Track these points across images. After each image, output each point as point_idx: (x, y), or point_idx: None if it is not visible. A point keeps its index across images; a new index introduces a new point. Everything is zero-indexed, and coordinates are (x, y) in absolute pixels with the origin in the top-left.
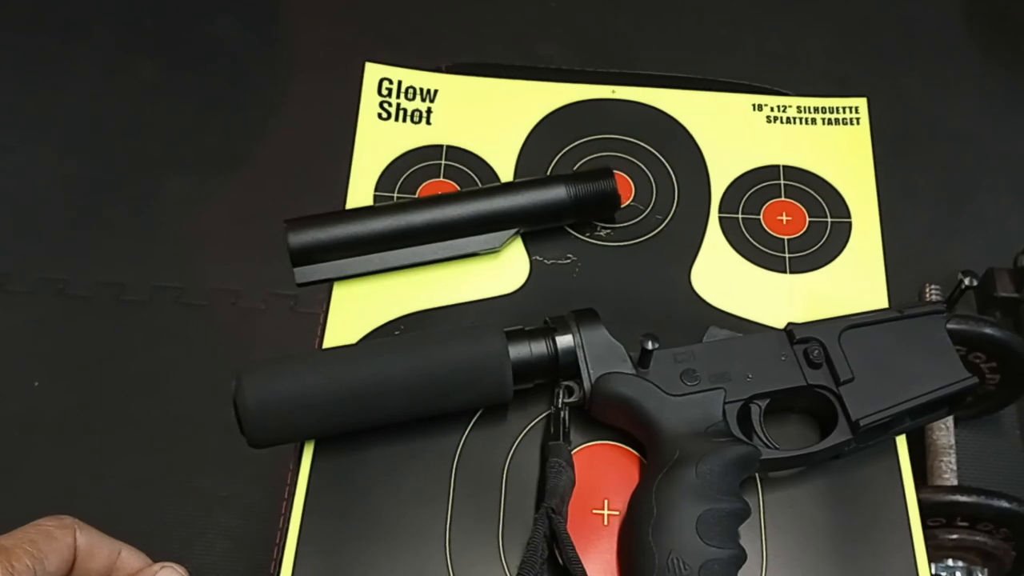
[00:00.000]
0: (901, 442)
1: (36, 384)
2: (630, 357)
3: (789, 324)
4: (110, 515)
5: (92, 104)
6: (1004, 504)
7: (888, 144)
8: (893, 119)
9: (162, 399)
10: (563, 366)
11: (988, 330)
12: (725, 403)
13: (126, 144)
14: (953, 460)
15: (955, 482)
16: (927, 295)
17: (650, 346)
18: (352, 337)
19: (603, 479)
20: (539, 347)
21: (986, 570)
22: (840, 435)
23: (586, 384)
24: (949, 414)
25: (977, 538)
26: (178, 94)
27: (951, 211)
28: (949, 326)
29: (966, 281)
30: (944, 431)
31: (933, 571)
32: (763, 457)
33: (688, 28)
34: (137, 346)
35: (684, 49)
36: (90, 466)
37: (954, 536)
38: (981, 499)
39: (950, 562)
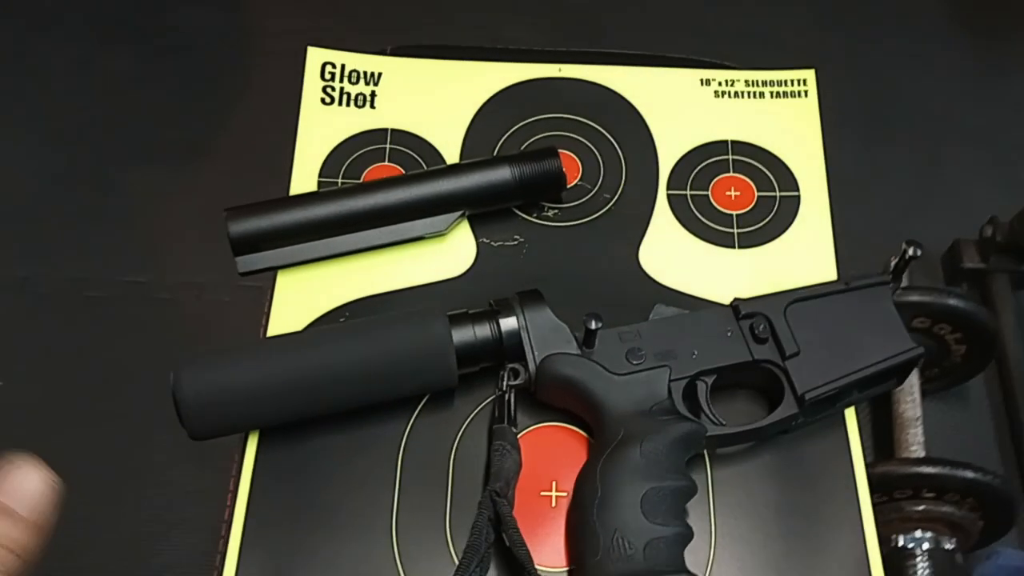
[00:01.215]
0: (850, 415)
1: (0, 384)
2: (575, 337)
3: (735, 299)
4: (80, 513)
5: (54, 98)
6: (969, 474)
7: (856, 118)
8: (861, 93)
9: (129, 394)
10: (508, 348)
11: (952, 301)
12: (670, 381)
13: (89, 138)
14: (920, 432)
15: (922, 454)
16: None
17: (593, 325)
18: (297, 325)
19: (551, 461)
20: (483, 330)
21: (954, 540)
22: (787, 409)
23: (531, 366)
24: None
25: (944, 509)
26: (142, 86)
27: (920, 184)
28: (912, 298)
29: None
30: (911, 403)
31: (901, 543)
32: (709, 434)
33: (658, 7)
34: (103, 341)
35: (654, 29)
36: (58, 464)
37: (921, 507)
38: (946, 470)
39: (918, 533)
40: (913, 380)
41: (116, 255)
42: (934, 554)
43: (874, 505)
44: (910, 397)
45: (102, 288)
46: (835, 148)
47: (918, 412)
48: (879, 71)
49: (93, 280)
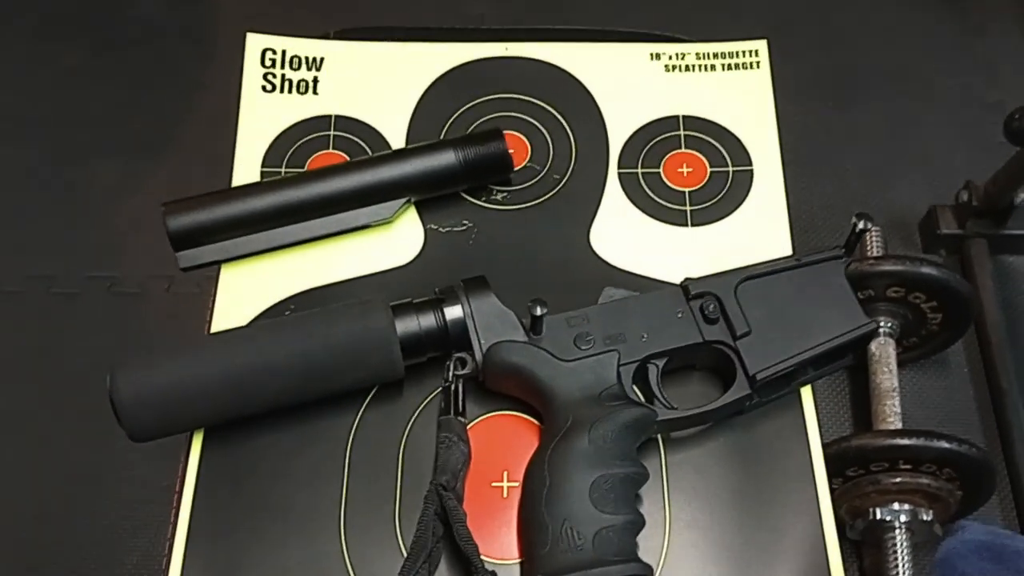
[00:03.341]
0: (806, 393)
1: None
2: (522, 324)
3: (685, 279)
4: (51, 512)
5: (14, 94)
6: (944, 444)
7: (826, 86)
8: (831, 60)
9: (98, 391)
10: (454, 337)
11: (924, 269)
12: (620, 365)
13: (51, 133)
14: (897, 403)
15: (899, 425)
16: (867, 238)
17: (538, 312)
18: (242, 321)
19: (503, 451)
20: (427, 320)
21: (931, 512)
22: (738, 391)
23: (478, 355)
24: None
25: (921, 480)
26: (102, 79)
27: (894, 150)
28: (885, 267)
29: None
30: (887, 374)
31: (879, 516)
32: (660, 418)
33: None
34: (70, 338)
35: (619, 3)
36: (27, 463)
37: (897, 479)
38: (920, 441)
39: (895, 506)
40: (889, 351)
41: (82, 251)
42: (912, 526)
43: (850, 478)
44: (886, 368)
45: (69, 284)
46: (802, 117)
47: (894, 383)
48: (845, 35)
49: (59, 277)
